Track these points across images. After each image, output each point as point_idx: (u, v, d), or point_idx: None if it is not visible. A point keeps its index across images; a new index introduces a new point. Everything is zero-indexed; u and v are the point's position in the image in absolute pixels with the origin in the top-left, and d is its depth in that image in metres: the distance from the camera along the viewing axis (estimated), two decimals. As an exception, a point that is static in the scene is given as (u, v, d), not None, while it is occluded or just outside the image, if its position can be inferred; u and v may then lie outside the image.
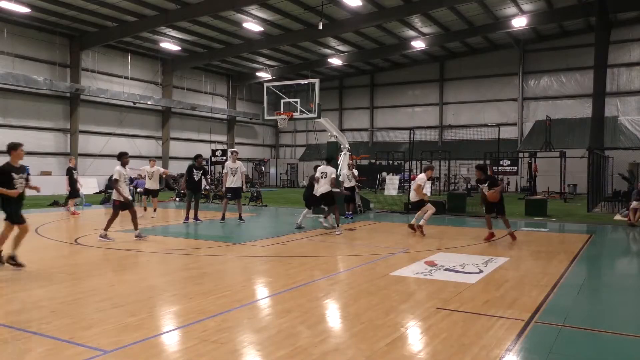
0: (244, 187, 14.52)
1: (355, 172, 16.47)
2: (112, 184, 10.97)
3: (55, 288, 6.41)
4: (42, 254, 9.29)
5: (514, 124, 35.94)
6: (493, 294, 6.26)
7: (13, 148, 7.43)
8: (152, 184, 15.64)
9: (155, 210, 15.38)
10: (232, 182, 13.59)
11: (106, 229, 10.34)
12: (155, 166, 15.94)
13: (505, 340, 4.57)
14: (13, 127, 26.67)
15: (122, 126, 32.48)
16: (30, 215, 11.96)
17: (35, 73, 26.87)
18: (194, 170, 13.86)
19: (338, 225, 12.16)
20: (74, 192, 16.88)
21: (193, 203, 13.92)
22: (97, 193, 26.56)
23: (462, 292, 6.29)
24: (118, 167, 10.26)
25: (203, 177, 14.12)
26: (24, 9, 23.60)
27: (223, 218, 13.82)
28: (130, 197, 10.65)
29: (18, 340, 4.48)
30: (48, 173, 27.10)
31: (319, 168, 12.66)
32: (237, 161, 13.82)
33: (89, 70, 29.92)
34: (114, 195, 10.39)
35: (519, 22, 28.43)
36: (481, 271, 7.57)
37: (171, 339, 4.67)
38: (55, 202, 19.66)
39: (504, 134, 32.59)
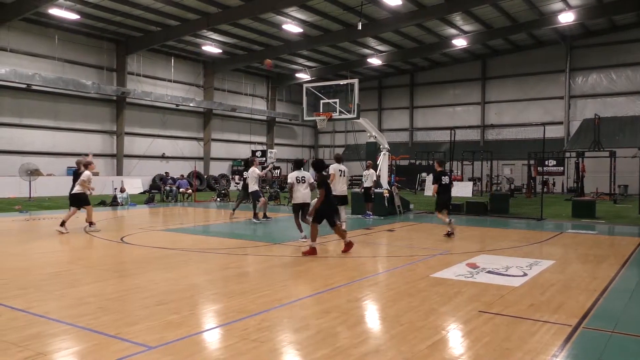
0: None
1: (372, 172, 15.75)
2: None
3: (102, 285, 6.64)
4: (90, 252, 9.64)
5: (560, 123, 34.78)
6: (538, 297, 6.07)
7: None
8: None
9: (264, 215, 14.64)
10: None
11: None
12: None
13: (551, 345, 4.42)
14: (63, 130, 27.84)
15: (165, 128, 33.35)
16: (80, 214, 12.44)
17: (83, 77, 27.96)
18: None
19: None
20: None
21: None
22: (141, 193, 27.32)
23: (505, 295, 6.13)
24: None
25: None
26: (73, 16, 24.60)
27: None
28: None
29: (68, 334, 4.66)
30: (96, 174, 28.00)
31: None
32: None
33: (134, 73, 30.89)
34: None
35: (566, 18, 27.47)
36: (525, 274, 7.35)
37: (212, 337, 4.76)
38: (102, 202, 20.33)
39: (550, 133, 31.56)
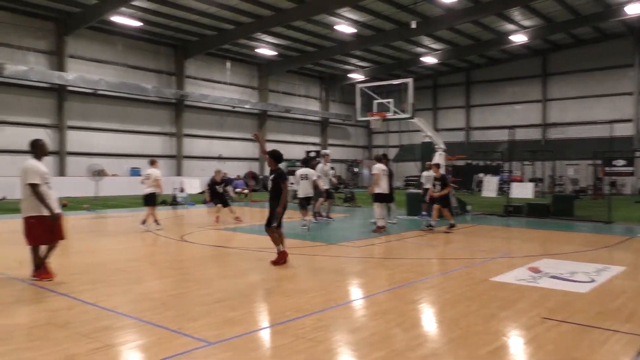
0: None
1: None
2: None
3: (164, 282, 6.88)
4: (153, 249, 10.02)
5: (629, 120, 32.87)
6: (607, 305, 5.75)
7: None
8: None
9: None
10: None
11: None
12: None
13: (622, 356, 4.18)
14: (126, 132, 29.11)
15: (222, 129, 34.21)
16: (144, 214, 12.94)
17: (144, 81, 29.14)
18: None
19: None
20: None
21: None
22: (200, 193, 28.08)
23: (571, 302, 5.85)
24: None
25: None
26: (136, 23, 25.70)
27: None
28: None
29: (133, 328, 4.86)
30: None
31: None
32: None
33: (192, 77, 31.89)
34: None
35: (634, 9, 25.92)
36: (593, 280, 6.99)
37: (269, 335, 4.82)
38: (163, 202, 21.04)
39: (618, 132, 30.00)
